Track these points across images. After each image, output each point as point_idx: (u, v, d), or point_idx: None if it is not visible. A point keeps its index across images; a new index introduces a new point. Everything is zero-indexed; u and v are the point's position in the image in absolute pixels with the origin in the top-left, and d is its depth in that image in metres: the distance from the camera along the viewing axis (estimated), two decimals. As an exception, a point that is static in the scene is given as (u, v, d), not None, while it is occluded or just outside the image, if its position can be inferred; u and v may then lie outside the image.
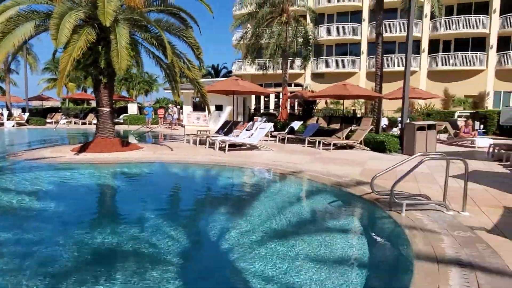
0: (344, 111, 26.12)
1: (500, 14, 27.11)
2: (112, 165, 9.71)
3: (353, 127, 14.72)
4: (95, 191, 7.43)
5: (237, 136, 13.73)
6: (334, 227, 5.10)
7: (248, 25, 21.56)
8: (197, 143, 13.77)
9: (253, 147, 12.59)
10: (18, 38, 9.64)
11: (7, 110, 28.60)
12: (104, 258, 4.00)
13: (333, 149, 12.59)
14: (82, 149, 11.50)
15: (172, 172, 9.61)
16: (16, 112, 28.46)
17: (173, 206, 6.53)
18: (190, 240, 4.55)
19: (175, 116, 25.56)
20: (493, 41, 27.47)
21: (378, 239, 4.87)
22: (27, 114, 27.69)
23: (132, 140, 15.66)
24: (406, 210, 5.21)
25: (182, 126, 23.57)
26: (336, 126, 15.77)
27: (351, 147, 13.00)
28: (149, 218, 5.33)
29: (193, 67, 12.50)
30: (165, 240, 4.42)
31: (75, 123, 28.12)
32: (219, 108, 24.60)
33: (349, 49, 31.17)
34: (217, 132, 14.98)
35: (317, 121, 18.71)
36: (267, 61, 20.16)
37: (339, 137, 13.70)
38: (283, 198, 6.61)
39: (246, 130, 13.72)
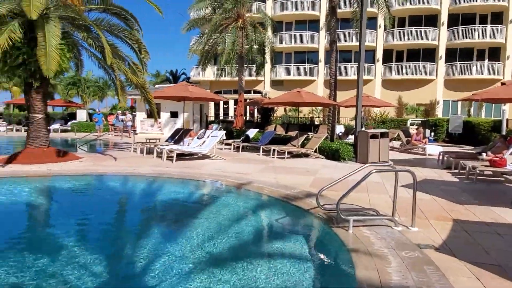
0: (303, 118, 26.12)
1: (448, 27, 28.43)
2: (38, 178, 8.63)
3: (310, 134, 14.45)
4: (16, 210, 6.41)
5: (188, 144, 12.99)
6: (274, 249, 4.55)
7: (206, 29, 20.94)
8: (145, 152, 12.86)
9: (204, 156, 11.91)
10: None
11: None
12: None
13: (288, 157, 12.19)
14: (9, 160, 10.26)
15: (108, 186, 8.70)
16: None
17: (92, 225, 5.69)
18: (110, 268, 3.80)
19: (129, 123, 24.29)
20: (441, 52, 28.71)
21: (321, 261, 4.36)
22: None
23: (79, 149, 14.40)
24: (353, 226, 4.77)
25: (136, 134, 22.38)
26: (294, 133, 15.46)
27: (306, 155, 12.67)
28: (62, 240, 4.52)
29: (139, 71, 11.67)
30: (81, 270, 3.65)
31: (17, 130, 25.97)
32: (174, 115, 23.65)
33: (307, 57, 31.39)
34: (167, 140, 14.13)
35: (275, 128, 18.34)
36: (221, 67, 19.58)
37: (294, 145, 13.35)
38: (225, 215, 5.98)
39: (198, 138, 13.01)
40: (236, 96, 22.78)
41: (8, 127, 26.47)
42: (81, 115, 28.56)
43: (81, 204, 6.94)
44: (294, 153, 12.72)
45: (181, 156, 11.63)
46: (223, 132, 13.64)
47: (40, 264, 3.88)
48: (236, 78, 20.84)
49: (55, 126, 25.52)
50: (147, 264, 3.95)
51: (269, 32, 20.21)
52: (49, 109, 29.14)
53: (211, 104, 29.50)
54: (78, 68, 13.20)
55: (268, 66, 25.58)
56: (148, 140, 14.27)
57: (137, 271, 3.84)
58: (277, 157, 12.25)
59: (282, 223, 5.73)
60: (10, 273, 3.62)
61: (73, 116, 29.50)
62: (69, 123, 27.00)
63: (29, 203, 6.93)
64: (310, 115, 27.26)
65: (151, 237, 4.95)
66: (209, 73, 29.16)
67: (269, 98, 24.66)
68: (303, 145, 13.24)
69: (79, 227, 5.44)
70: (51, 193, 7.95)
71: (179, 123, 22.60)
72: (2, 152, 13.46)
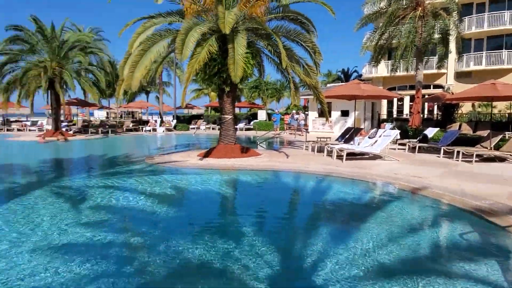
0: (497, 115, 21.83)
1: None
2: (226, 171, 10.05)
3: (507, 134, 11.95)
4: (203, 195, 7.68)
5: (359, 144, 12.69)
6: (456, 270, 3.94)
7: (380, 24, 19.96)
8: (315, 150, 13.26)
9: (375, 157, 11.40)
10: (154, 54, 10.88)
11: (159, 117, 33.43)
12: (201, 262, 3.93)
13: (476, 161, 10.42)
14: (206, 155, 12.31)
15: (280, 181, 9.36)
16: (166, 119, 32.99)
17: (267, 218, 6.21)
18: (280, 260, 4.13)
19: (302, 122, 25.50)
20: None
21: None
22: (174, 121, 31.76)
23: (259, 146, 16.15)
24: None
25: (308, 132, 23.33)
26: (484, 133, 13.10)
27: (502, 159, 10.54)
28: (242, 227, 5.15)
29: (312, 72, 12.10)
30: (256, 258, 4.11)
31: (213, 128, 30.90)
32: (345, 113, 23.54)
33: (505, 41, 25.93)
34: (337, 139, 14.16)
35: (459, 127, 15.99)
36: (397, 61, 18.19)
37: (485, 147, 11.29)
38: (397, 222, 5.56)
39: (369, 137, 12.56)
40: (412, 92, 20.90)
41: (206, 126, 31.82)
42: (261, 115, 31.72)
43: (257, 197, 7.72)
44: (484, 156, 10.76)
45: (351, 155, 11.45)
46: (397, 131, 12.73)
47: (225, 246, 4.50)
48: (412, 73, 19.07)
49: (241, 125, 29.14)
50: (315, 262, 4.06)
51: (455, 17, 17.60)
52: (236, 110, 33.65)
53: (384, 101, 27.95)
54: (261, 73, 14.66)
55: (452, 56, 22.39)
56: (319, 139, 14.65)
57: (304, 267, 3.99)
58: (461, 160, 10.62)
59: (468, 240, 4.92)
60: (205, 250, 4.33)
61: (255, 116, 33.11)
62: (252, 122, 30.43)
63: (218, 192, 8.15)
64: (508, 111, 22.51)
65: (319, 235, 5.07)
66: (382, 69, 27.64)
67: (452, 93, 21.60)
68: (497, 147, 11.05)
69: (255, 218, 6.05)
70: (235, 185, 9.11)
71: (349, 121, 22.35)
72: (202, 147, 16.28)
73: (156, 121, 32.40)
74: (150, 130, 29.13)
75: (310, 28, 12.59)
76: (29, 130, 29.39)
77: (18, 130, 29.65)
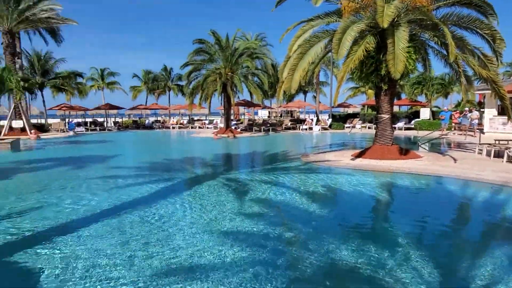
0: None
1: None
2: (381, 173, 9.59)
3: None
4: (355, 197, 7.53)
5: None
6: None
7: None
8: (492, 155, 11.26)
9: None
10: (312, 56, 11.24)
11: (316, 116, 34.19)
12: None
13: None
14: (360, 155, 12.03)
15: (444, 189, 8.31)
16: (322, 118, 33.50)
17: (426, 229, 5.63)
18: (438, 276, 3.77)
19: (475, 121, 22.01)
20: None
21: None
22: (330, 120, 31.97)
23: (420, 147, 14.81)
24: None
25: (483, 133, 19.97)
26: None
27: None
28: (392, 235, 4.88)
29: (490, 63, 10.32)
30: (410, 270, 3.89)
31: (369, 128, 29.80)
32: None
33: None
34: (525, 143, 11.67)
35: None
36: None
37: None
38: None
39: None
40: None
41: (362, 125, 30.89)
42: (424, 114, 28.75)
43: (415, 204, 7.10)
44: None
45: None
46: None
47: (376, 253, 4.35)
48: None
49: (400, 124, 27.13)
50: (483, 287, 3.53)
51: None
52: (395, 108, 31.41)
53: None
54: (426, 67, 13.37)
55: None
56: (497, 141, 12.38)
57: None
58: None
59: None
60: (355, 254, 4.30)
61: (416, 114, 30.26)
62: (413, 121, 27.94)
63: (371, 194, 7.85)
64: None
65: (490, 257, 4.34)
66: None
67: None
68: None
69: (412, 228, 5.58)
70: (390, 188, 8.59)
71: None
72: (357, 147, 15.94)
73: (312, 120, 33.29)
74: (306, 129, 30.13)
75: (489, 11, 10.72)
76: (207, 127, 34.48)
77: (199, 127, 35.17)
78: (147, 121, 38.73)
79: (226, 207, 6.44)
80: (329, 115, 34.21)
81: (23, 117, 25.75)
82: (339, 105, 39.35)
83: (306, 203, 6.85)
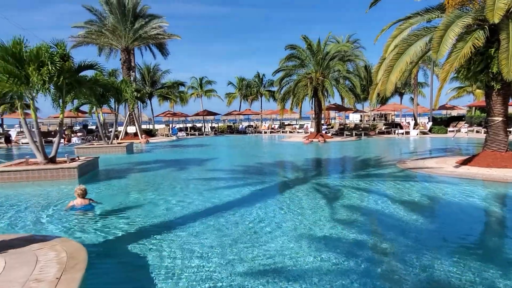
0: None
1: None
2: (493, 183, 8.55)
3: None
4: (461, 209, 6.84)
5: None
6: None
7: None
8: None
9: None
10: (409, 56, 10.59)
11: (413, 119, 31.86)
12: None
13: None
14: (466, 162, 10.90)
15: None
16: (420, 122, 31.07)
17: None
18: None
19: None
20: None
21: None
22: (430, 123, 29.47)
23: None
24: None
25: None
26: None
27: None
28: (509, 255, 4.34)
29: None
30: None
31: (477, 132, 26.74)
32: None
33: None
34: None
35: None
36: None
37: None
38: None
39: None
40: None
41: (469, 128, 27.83)
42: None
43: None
44: None
45: None
46: None
47: (489, 275, 3.94)
48: None
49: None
50: None
51: None
52: (510, 110, 27.58)
53: None
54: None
55: None
56: None
57: None
58: None
59: None
60: (461, 274, 3.95)
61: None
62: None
63: (480, 207, 7.05)
64: None
65: None
66: None
67: None
68: None
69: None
70: (504, 201, 7.59)
71: None
72: (463, 153, 14.46)
73: (409, 123, 31.13)
74: (402, 133, 28.29)
75: None
76: (297, 132, 34.67)
77: (290, 132, 35.56)
78: (240, 126, 40.57)
79: (318, 212, 6.44)
80: (428, 118, 31.56)
81: (136, 124, 29.20)
82: (441, 107, 36.02)
83: (403, 213, 6.46)
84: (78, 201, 6.72)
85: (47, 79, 9.51)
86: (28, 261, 3.89)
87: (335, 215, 6.24)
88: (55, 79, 9.95)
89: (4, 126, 37.49)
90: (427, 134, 27.82)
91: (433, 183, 9.14)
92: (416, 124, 29.89)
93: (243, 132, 37.54)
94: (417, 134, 27.34)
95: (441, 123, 31.53)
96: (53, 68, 9.61)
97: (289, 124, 40.74)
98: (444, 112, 40.04)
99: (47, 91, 10.34)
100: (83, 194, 6.77)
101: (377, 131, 30.32)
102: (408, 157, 14.41)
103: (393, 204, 7.09)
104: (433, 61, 29.54)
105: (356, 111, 38.70)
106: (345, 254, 4.45)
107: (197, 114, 39.38)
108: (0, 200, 7.92)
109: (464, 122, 30.44)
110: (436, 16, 10.99)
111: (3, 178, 9.97)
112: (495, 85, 10.34)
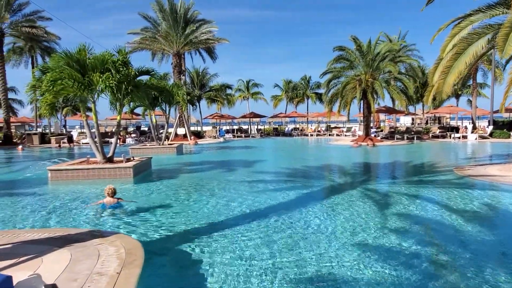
0: None
1: None
2: None
3: None
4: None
5: None
6: None
7: None
8: None
9: None
10: (469, 56, 9.95)
11: (471, 123, 29.85)
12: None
13: None
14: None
15: None
16: (480, 125, 29.02)
17: None
18: None
19: None
20: None
21: None
22: (490, 127, 27.45)
23: None
24: None
25: None
26: None
27: None
28: None
29: None
30: None
31: (546, 136, 24.50)
32: None
33: None
34: None
35: None
36: None
37: None
38: None
39: None
40: None
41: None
42: None
43: None
44: None
45: None
46: None
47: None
48: None
49: None
50: None
51: None
52: None
53: None
54: None
55: None
56: None
57: None
58: None
59: None
60: None
61: None
62: None
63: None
64: None
65: None
66: None
67: None
68: None
69: None
70: None
71: None
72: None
73: (466, 127, 29.23)
74: (459, 137, 26.63)
75: None
76: (345, 135, 33.88)
77: (337, 135, 34.85)
78: (286, 129, 40.48)
79: (368, 219, 6.23)
80: (489, 122, 29.38)
81: (185, 125, 30.19)
82: (504, 110, 33.37)
83: (462, 224, 6.06)
84: (107, 200, 7.15)
85: (113, 85, 10.09)
86: (91, 255, 4.15)
87: (386, 223, 6.00)
88: (120, 85, 10.54)
89: (67, 127, 40.54)
90: (487, 138, 25.95)
91: (497, 191, 8.50)
92: (474, 128, 27.98)
93: (289, 134, 37.40)
94: (476, 139, 25.58)
95: (503, 126, 29.24)
96: (118, 75, 10.20)
97: (336, 127, 39.91)
98: (506, 115, 37.12)
99: (113, 95, 10.93)
100: (113, 193, 7.22)
101: (430, 135, 28.79)
102: (467, 163, 13.53)
103: (451, 213, 6.68)
104: (494, 60, 27.51)
105: (408, 113, 37.07)
106: (399, 265, 4.26)
107: (244, 116, 39.86)
108: (63, 195, 8.55)
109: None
110: (501, 12, 10.21)
111: (67, 176, 10.76)
112: None
